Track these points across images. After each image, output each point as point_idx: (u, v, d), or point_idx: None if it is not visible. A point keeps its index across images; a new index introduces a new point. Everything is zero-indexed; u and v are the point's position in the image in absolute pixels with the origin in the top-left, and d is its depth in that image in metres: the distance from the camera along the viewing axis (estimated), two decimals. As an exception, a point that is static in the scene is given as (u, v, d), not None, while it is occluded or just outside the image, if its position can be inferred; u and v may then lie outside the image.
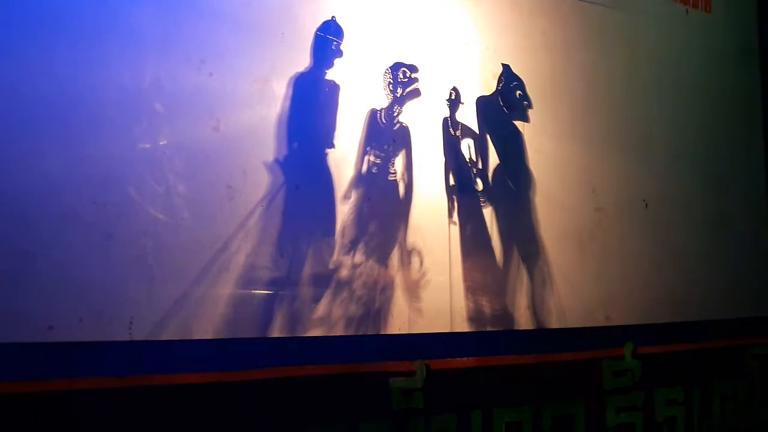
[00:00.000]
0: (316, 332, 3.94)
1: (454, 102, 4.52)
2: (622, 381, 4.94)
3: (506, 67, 4.74)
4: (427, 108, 4.42)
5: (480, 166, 4.62)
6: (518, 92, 4.75)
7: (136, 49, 3.56)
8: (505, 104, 4.73)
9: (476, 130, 4.62)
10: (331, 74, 4.10)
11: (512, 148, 4.76)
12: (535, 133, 4.82)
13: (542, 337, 4.72)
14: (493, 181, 4.65)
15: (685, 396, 5.22)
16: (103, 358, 3.33)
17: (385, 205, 4.24)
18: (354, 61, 4.16)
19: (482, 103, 4.66)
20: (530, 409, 4.50)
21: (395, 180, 4.29)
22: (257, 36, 3.90)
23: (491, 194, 4.61)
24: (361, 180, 4.15)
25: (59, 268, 3.29)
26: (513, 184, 4.75)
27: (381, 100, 4.26)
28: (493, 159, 4.67)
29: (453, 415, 4.21)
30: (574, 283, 4.91)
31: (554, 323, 4.80)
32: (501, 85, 4.73)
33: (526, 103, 4.77)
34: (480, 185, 4.59)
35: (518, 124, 4.78)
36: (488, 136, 4.66)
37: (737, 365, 5.59)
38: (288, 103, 3.95)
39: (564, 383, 4.69)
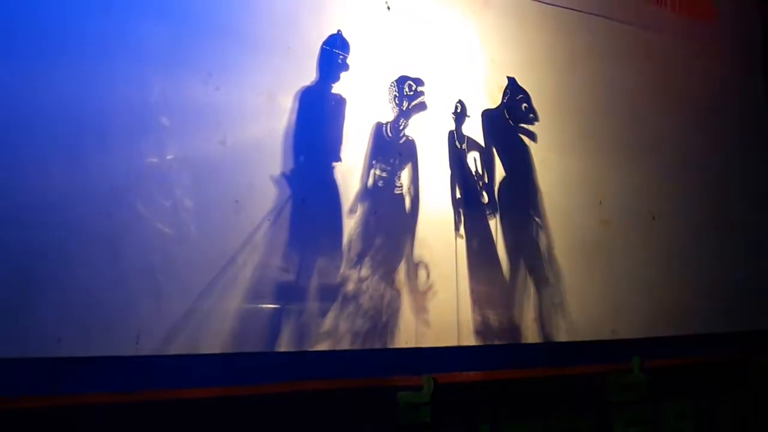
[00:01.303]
0: (323, 346, 3.93)
1: (459, 115, 4.53)
2: (629, 395, 4.91)
3: (512, 80, 4.75)
4: (432, 121, 4.42)
5: (486, 179, 4.62)
6: (524, 105, 4.75)
7: (142, 64, 3.57)
8: (510, 117, 4.73)
9: (482, 143, 4.61)
10: (337, 88, 4.10)
11: (519, 161, 4.76)
12: (541, 145, 4.81)
13: (549, 350, 4.70)
14: (499, 194, 4.65)
15: (693, 410, 5.19)
16: (111, 373, 3.32)
17: (391, 218, 4.24)
18: (360, 75, 4.17)
19: (488, 116, 4.66)
20: (538, 424, 4.47)
21: (401, 193, 4.29)
22: (263, 50, 3.91)
23: (497, 207, 4.60)
24: (367, 193, 4.15)
25: (67, 283, 3.29)
26: (519, 197, 4.74)
27: (387, 113, 4.27)
28: (500, 172, 4.66)
29: (460, 429, 4.19)
30: (580, 297, 4.90)
31: (561, 337, 4.78)
32: (506, 98, 4.74)
33: (532, 116, 4.76)
34: (486, 198, 4.59)
35: (524, 136, 4.78)
36: (494, 149, 4.66)
37: (745, 378, 5.56)
38: (294, 116, 3.96)
39: (572, 397, 4.66)
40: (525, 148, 4.78)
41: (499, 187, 4.67)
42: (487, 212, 4.59)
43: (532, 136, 4.79)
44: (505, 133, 4.73)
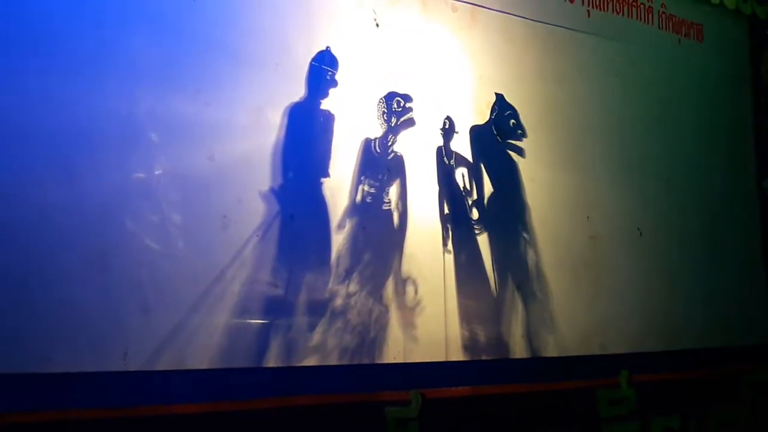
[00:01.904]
0: (311, 361, 3.93)
1: (448, 131, 4.54)
2: (617, 409, 4.93)
3: (499, 96, 4.77)
4: (421, 137, 4.44)
5: (475, 195, 4.64)
6: (512, 121, 4.77)
7: (132, 80, 3.57)
8: (498, 133, 4.75)
9: (470, 158, 4.63)
10: (325, 104, 4.12)
11: (506, 177, 4.78)
12: (528, 161, 4.83)
13: (537, 365, 4.71)
14: (487, 209, 4.66)
15: (681, 424, 5.20)
16: (99, 388, 3.32)
17: (379, 234, 4.25)
18: (348, 91, 4.18)
19: (476, 132, 4.68)
20: (526, 439, 4.49)
21: (390, 209, 4.30)
22: (252, 66, 3.92)
23: (486, 222, 4.62)
24: (355, 209, 4.16)
25: (54, 299, 3.28)
26: (507, 213, 4.76)
27: (375, 129, 4.28)
28: (488, 187, 4.68)
29: (449, 444, 4.21)
30: (568, 312, 4.91)
31: (549, 352, 4.79)
32: (494, 114, 4.76)
33: (520, 132, 4.79)
34: (475, 214, 4.60)
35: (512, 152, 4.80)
36: (482, 165, 4.68)
37: (733, 393, 5.57)
38: (283, 132, 3.97)
39: (560, 412, 4.68)
40: (513, 164, 4.80)
41: (487, 202, 4.69)
42: (476, 228, 4.60)
43: (520, 151, 4.81)
44: (492, 148, 4.75)
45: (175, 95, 3.70)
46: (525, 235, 4.79)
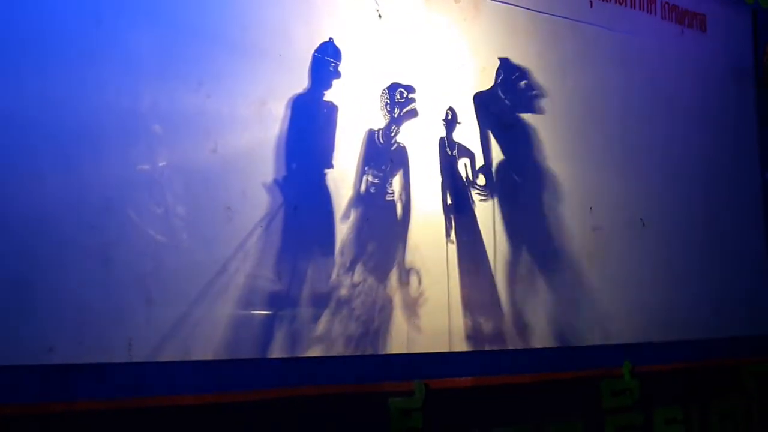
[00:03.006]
0: (315, 352, 3.94)
1: (450, 122, 4.54)
2: (621, 400, 4.94)
3: (504, 60, 4.69)
4: (423, 128, 4.44)
5: (482, 161, 4.60)
6: (522, 82, 4.70)
7: (134, 72, 3.57)
8: (508, 98, 4.68)
9: (477, 131, 4.61)
10: (328, 95, 4.12)
11: (521, 142, 4.77)
12: (530, 151, 4.83)
13: (541, 356, 4.72)
14: (496, 175, 4.64)
15: (684, 415, 5.21)
16: (103, 380, 3.33)
17: (383, 224, 4.25)
18: (351, 82, 4.18)
19: (480, 98, 4.63)
20: (529, 429, 4.49)
21: (393, 200, 4.30)
22: (255, 58, 3.91)
23: (493, 188, 4.60)
24: (359, 200, 4.17)
25: (59, 291, 3.29)
26: (520, 180, 4.72)
27: (378, 120, 4.28)
28: (497, 154, 4.69)
29: (452, 435, 4.22)
30: (572, 302, 4.92)
31: (552, 342, 4.80)
32: (500, 78, 4.70)
33: (535, 92, 4.72)
34: (481, 180, 4.58)
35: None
36: (490, 133, 4.64)
37: (736, 384, 5.59)
38: (286, 124, 3.97)
39: (563, 402, 4.69)
40: (526, 127, 4.76)
41: (496, 169, 4.67)
42: (481, 194, 4.58)
43: (540, 111, 4.75)
44: (500, 114, 4.72)
45: (178, 88, 3.69)
46: (529, 226, 4.78)
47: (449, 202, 4.49)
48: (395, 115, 4.32)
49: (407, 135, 4.36)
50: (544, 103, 4.83)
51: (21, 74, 3.33)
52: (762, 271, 6.01)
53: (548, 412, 4.59)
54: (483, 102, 4.65)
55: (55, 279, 3.29)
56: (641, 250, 5.30)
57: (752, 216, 6.05)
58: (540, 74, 4.94)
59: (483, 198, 4.59)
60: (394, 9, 4.39)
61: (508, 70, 4.75)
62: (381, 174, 4.25)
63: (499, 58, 4.74)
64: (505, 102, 4.71)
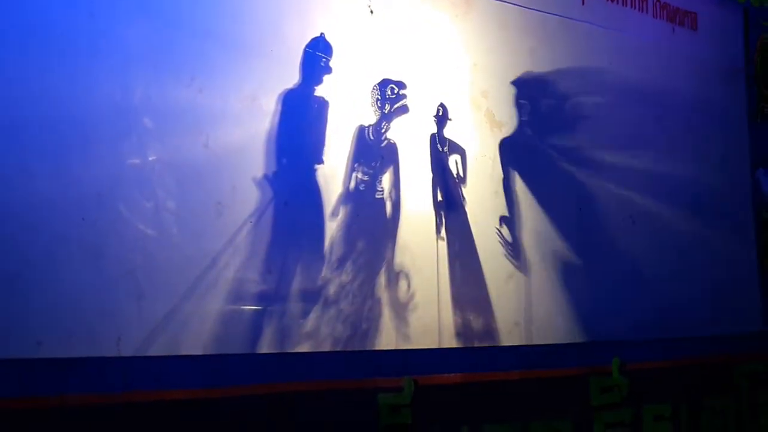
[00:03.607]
0: (304, 348, 3.94)
1: (441, 118, 4.55)
2: (609, 397, 4.95)
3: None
4: (414, 124, 4.44)
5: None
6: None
7: (126, 66, 3.56)
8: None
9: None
10: (319, 91, 4.11)
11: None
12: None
13: (530, 353, 4.73)
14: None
15: (672, 412, 5.23)
16: (92, 374, 3.32)
17: (373, 221, 4.26)
18: (342, 78, 4.18)
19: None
20: (518, 425, 4.50)
21: (383, 197, 4.30)
22: (246, 53, 3.91)
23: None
24: (349, 197, 4.17)
25: (48, 284, 3.28)
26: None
27: (369, 116, 4.28)
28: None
29: (441, 431, 4.21)
30: (561, 299, 4.94)
31: (542, 339, 4.81)
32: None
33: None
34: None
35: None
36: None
37: (725, 382, 5.60)
38: (277, 119, 3.96)
39: (552, 399, 4.70)
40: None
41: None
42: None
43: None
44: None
45: (169, 82, 3.68)
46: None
47: (439, 198, 4.50)
48: (386, 111, 4.32)
49: (398, 131, 4.36)
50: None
51: (11, 68, 3.31)
52: (751, 269, 6.04)
53: (537, 408, 4.60)
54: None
55: (45, 272, 3.28)
56: (630, 248, 5.31)
57: (742, 214, 6.07)
58: (531, 71, 4.94)
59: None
60: (386, 5, 4.39)
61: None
62: (371, 170, 4.25)
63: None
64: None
